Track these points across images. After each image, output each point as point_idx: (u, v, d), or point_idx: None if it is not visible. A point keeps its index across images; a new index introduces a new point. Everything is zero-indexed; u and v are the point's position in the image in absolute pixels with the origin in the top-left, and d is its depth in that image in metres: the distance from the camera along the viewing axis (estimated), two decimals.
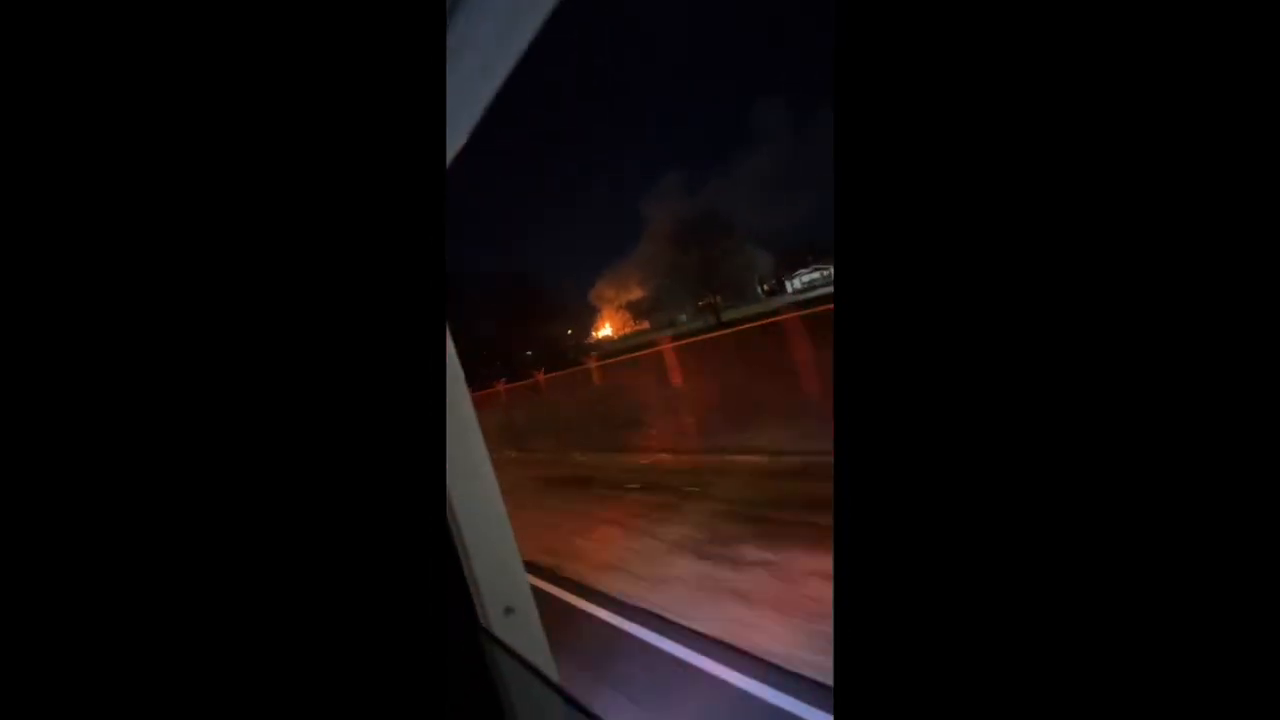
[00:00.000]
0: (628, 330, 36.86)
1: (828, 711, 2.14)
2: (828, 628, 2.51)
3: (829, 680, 2.22)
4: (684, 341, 7.97)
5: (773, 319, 7.16)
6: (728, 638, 2.80)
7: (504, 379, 11.94)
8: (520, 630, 1.19)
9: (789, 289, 33.56)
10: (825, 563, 3.21)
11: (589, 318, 38.09)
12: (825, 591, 2.93)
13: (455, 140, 0.99)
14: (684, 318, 34.55)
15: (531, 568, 4.17)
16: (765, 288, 34.32)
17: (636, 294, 36.76)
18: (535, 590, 3.55)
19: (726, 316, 28.40)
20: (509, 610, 1.18)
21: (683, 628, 3.04)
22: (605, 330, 37.55)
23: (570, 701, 0.80)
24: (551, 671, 1.22)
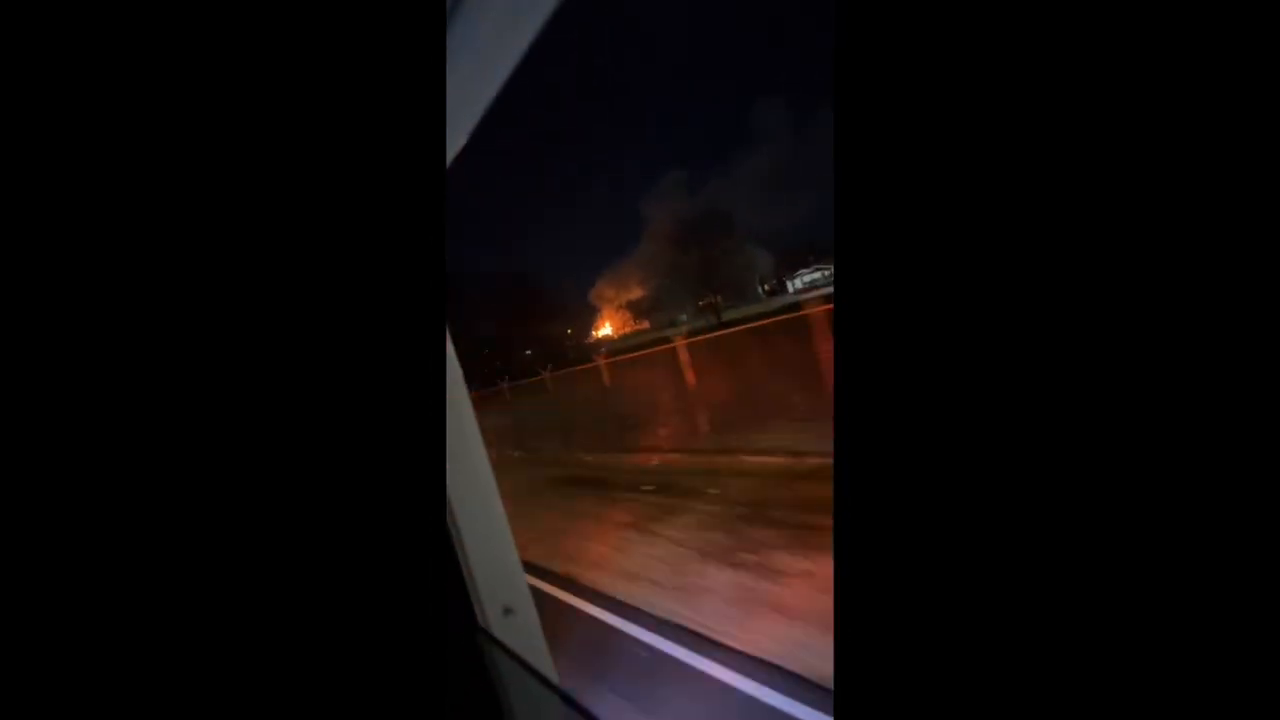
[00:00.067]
0: (627, 330, 36.88)
1: (828, 714, 2.13)
2: None
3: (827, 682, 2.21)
4: (698, 339, 7.75)
5: (794, 313, 6.86)
6: (783, 660, 2.46)
7: (508, 377, 11.78)
8: (519, 631, 1.18)
9: (790, 289, 33.58)
10: None
11: (589, 317, 38.15)
12: None
13: (455, 140, 0.98)
14: (684, 317, 34.56)
15: (546, 576, 4.12)
16: (766, 288, 34.36)
17: (636, 294, 36.81)
18: (555, 603, 3.36)
19: (727, 317, 28.41)
20: (508, 611, 1.18)
21: (728, 649, 2.66)
22: (605, 330, 37.57)
23: (568, 702, 0.80)
24: (550, 672, 1.22)
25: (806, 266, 33.36)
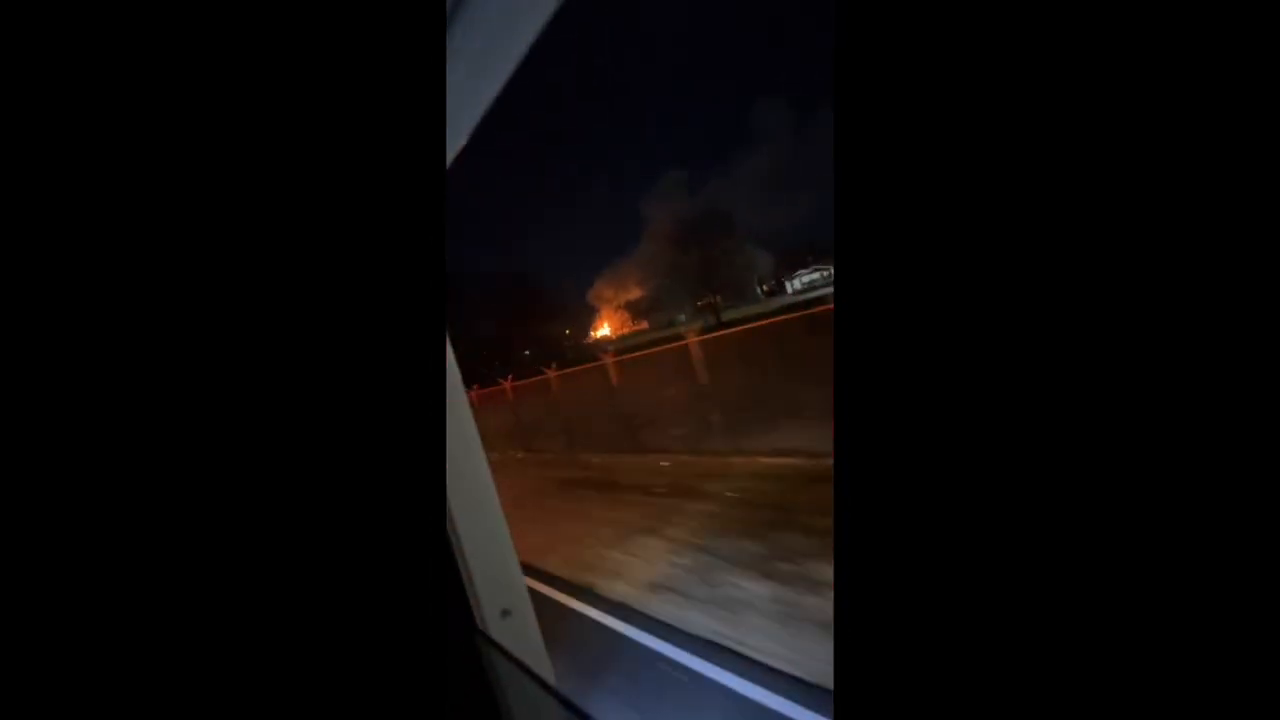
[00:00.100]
0: (626, 330, 36.89)
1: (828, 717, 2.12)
2: None
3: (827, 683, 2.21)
4: (705, 336, 7.43)
5: (798, 313, 6.63)
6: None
7: (511, 376, 11.64)
8: (517, 633, 1.18)
9: (789, 289, 33.62)
10: None
11: (588, 318, 38.17)
12: None
13: (455, 141, 0.98)
14: (683, 318, 34.59)
15: (564, 586, 3.88)
16: (765, 288, 34.39)
17: (635, 294, 36.82)
18: (579, 618, 3.21)
19: (726, 317, 28.42)
20: (506, 613, 1.18)
21: (791, 677, 2.32)
22: (604, 330, 37.58)
23: (566, 704, 0.80)
24: (547, 674, 1.22)
25: (805, 267, 33.41)
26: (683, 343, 7.54)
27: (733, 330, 7.28)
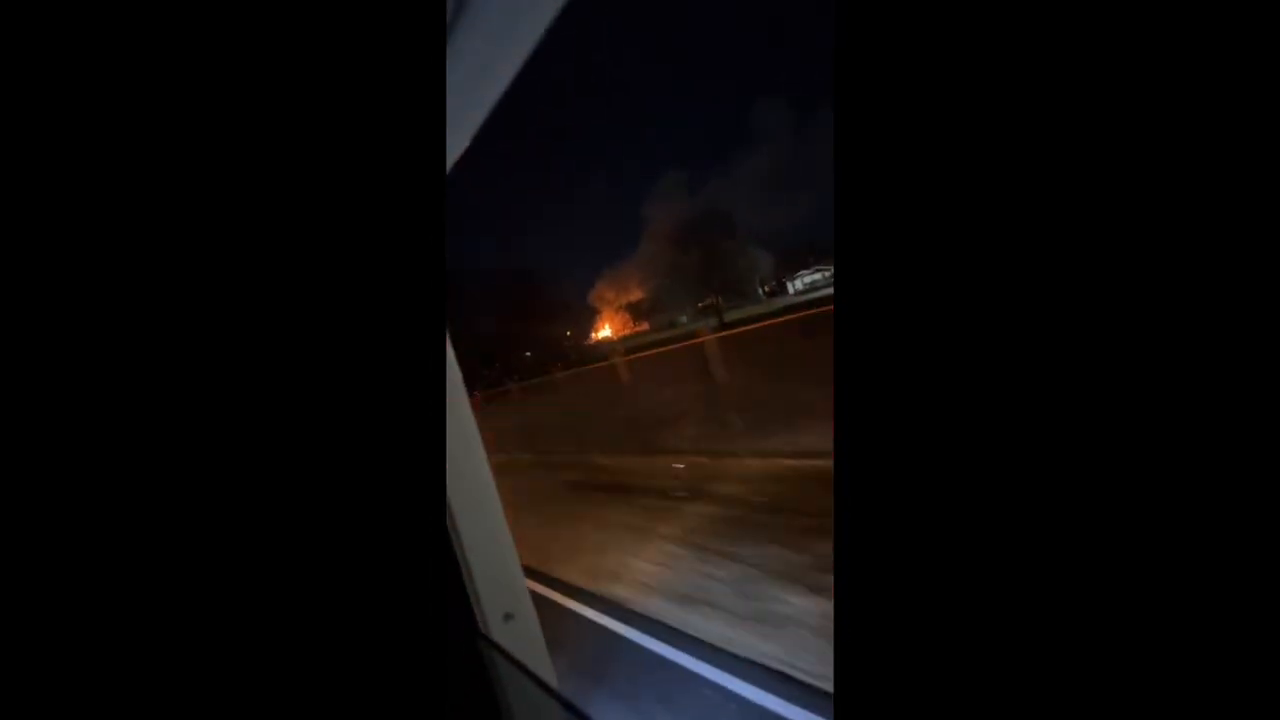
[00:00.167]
0: (627, 332, 36.87)
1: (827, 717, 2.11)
2: None
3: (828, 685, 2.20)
4: (720, 334, 7.23)
5: (802, 313, 6.40)
6: None
7: (516, 377, 11.56)
8: (519, 636, 1.18)
9: (790, 290, 33.61)
10: None
11: (588, 319, 38.16)
12: None
13: (456, 145, 0.98)
14: (684, 319, 34.58)
15: (589, 599, 3.59)
16: (766, 289, 34.36)
17: (636, 295, 36.80)
18: (611, 637, 3.02)
19: (728, 318, 28.41)
20: (508, 616, 1.18)
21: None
22: (605, 331, 37.57)
23: (568, 707, 0.80)
24: (549, 677, 1.22)
25: (807, 267, 33.39)
26: (690, 342, 7.40)
27: (741, 330, 7.13)
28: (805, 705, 2.17)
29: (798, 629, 2.61)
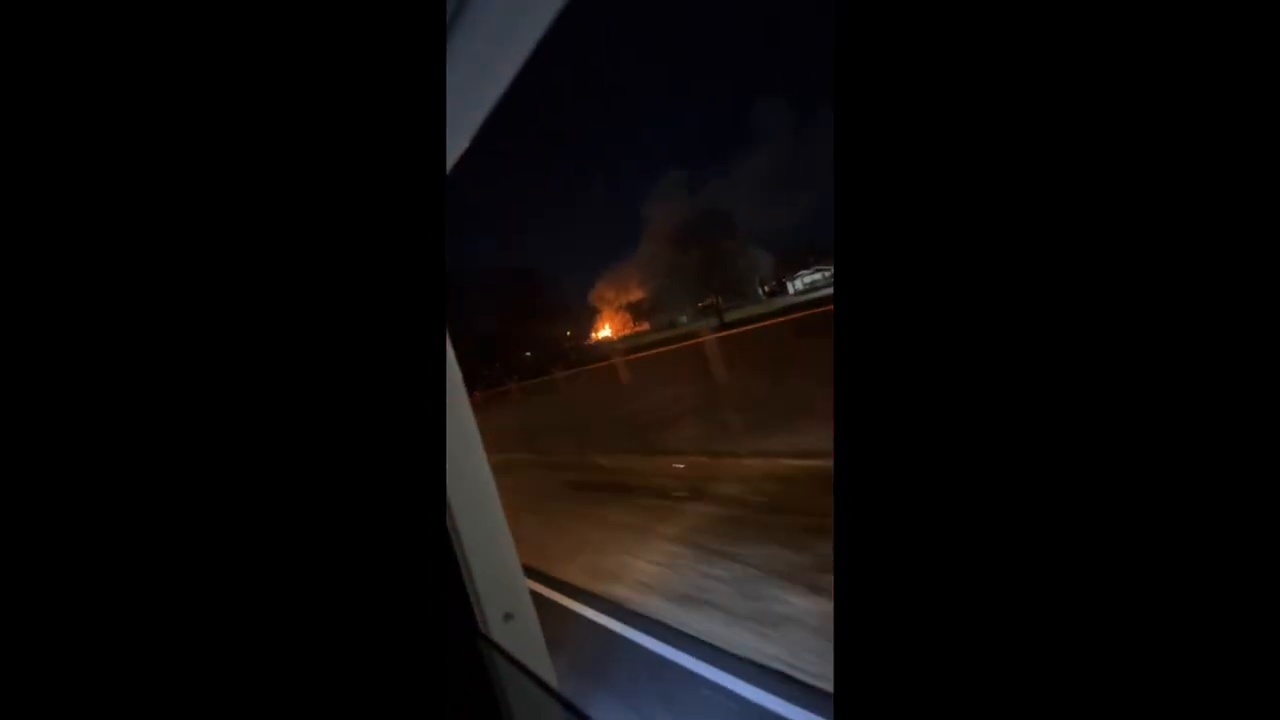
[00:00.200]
0: (627, 332, 36.84)
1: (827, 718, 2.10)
2: None
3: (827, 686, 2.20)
4: (723, 334, 7.10)
5: (804, 313, 6.26)
6: None
7: (516, 377, 11.47)
8: (519, 636, 1.18)
9: (790, 290, 33.59)
10: None
11: (588, 319, 38.15)
12: None
13: (456, 146, 0.98)
14: (684, 319, 34.56)
15: (588, 599, 3.57)
16: (766, 289, 34.33)
17: (636, 295, 36.78)
18: (609, 636, 2.99)
19: (728, 318, 28.37)
20: (508, 616, 1.18)
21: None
22: (605, 332, 37.54)
23: (568, 707, 0.80)
24: (550, 677, 1.22)
25: (807, 267, 33.37)
26: (690, 342, 7.32)
27: (742, 329, 7.05)
28: (805, 705, 2.15)
29: (798, 629, 2.60)
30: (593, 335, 37.49)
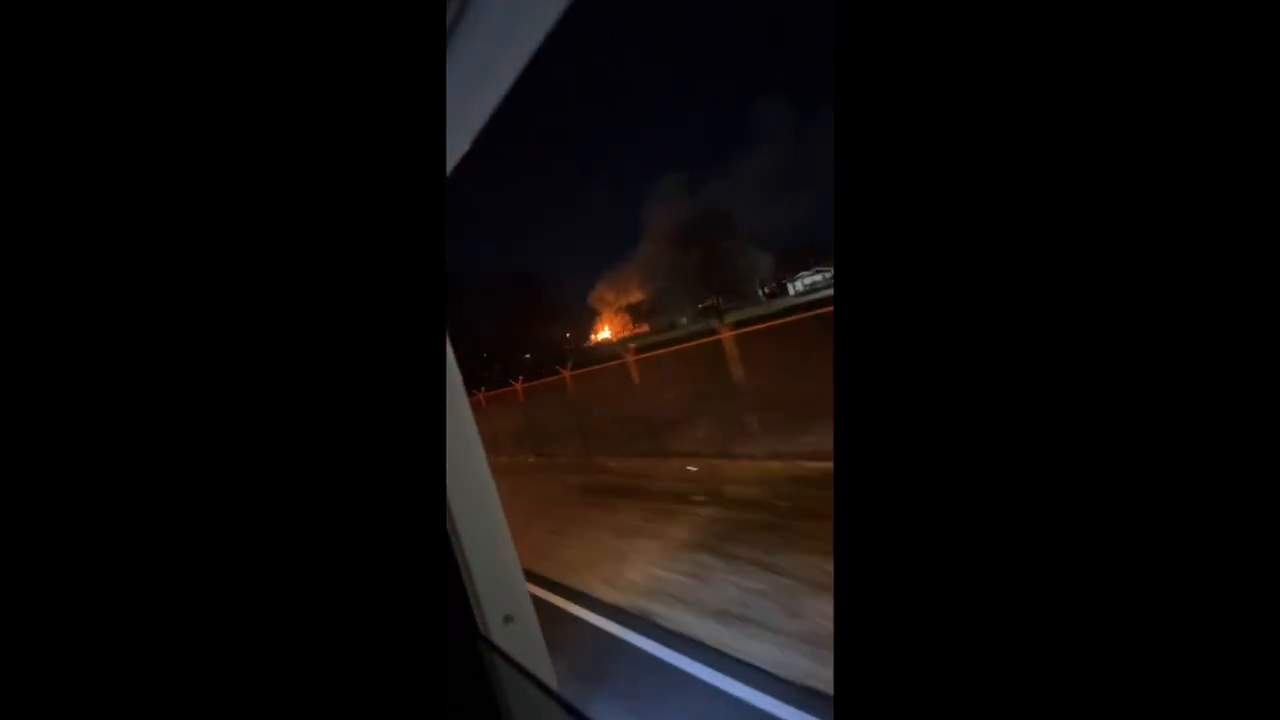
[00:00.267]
0: (627, 333, 36.83)
1: None
2: None
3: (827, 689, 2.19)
4: (742, 330, 6.62)
5: (807, 313, 6.05)
6: None
7: (521, 377, 11.26)
8: (519, 638, 1.18)
9: (790, 291, 33.59)
10: None
11: (588, 320, 38.17)
12: None
13: (457, 148, 0.98)
14: (684, 320, 34.56)
15: (613, 613, 3.25)
16: (766, 290, 34.33)
17: (636, 297, 36.79)
18: (643, 657, 2.69)
19: (729, 319, 28.35)
20: (508, 619, 1.17)
21: None
22: (604, 333, 37.55)
23: (568, 709, 0.80)
24: (550, 679, 1.22)
25: (807, 268, 33.38)
26: (699, 341, 7.03)
27: (751, 329, 6.63)
28: (807, 708, 2.10)
29: None
30: (592, 337, 37.50)
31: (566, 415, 9.48)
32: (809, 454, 5.12)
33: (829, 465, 4.70)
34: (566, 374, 9.52)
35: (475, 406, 1.25)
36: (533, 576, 4.09)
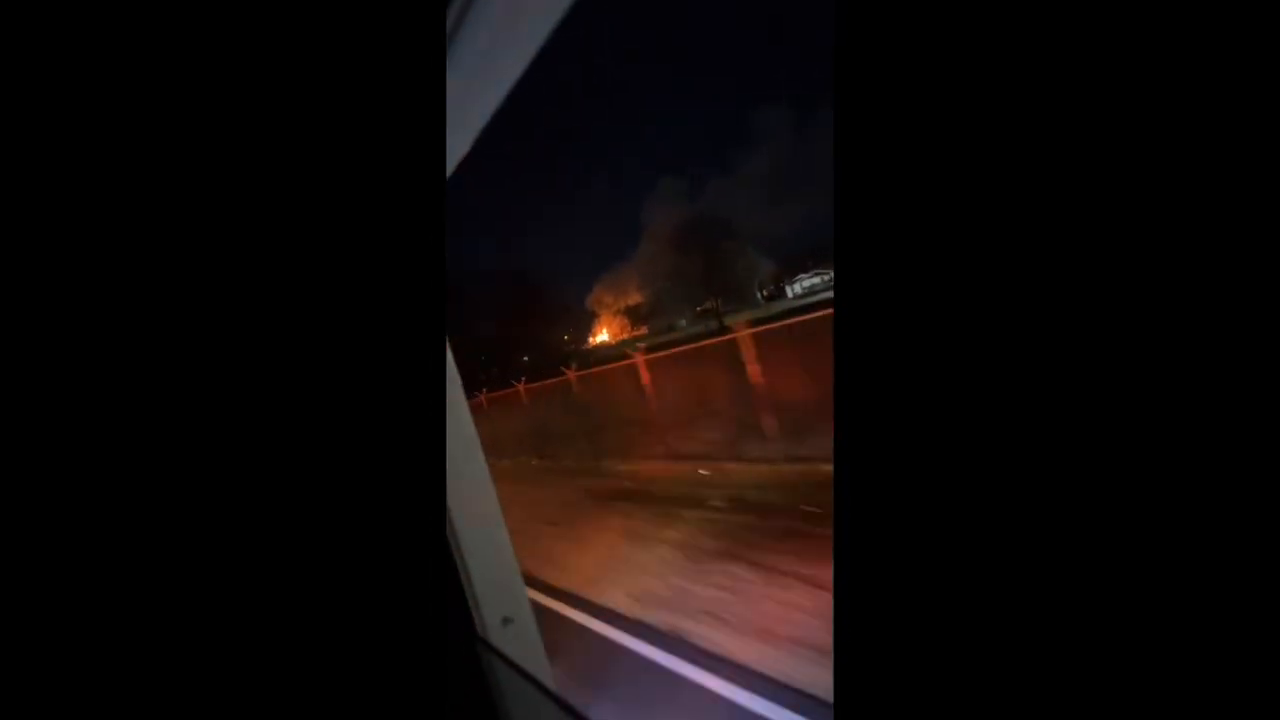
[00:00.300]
0: (625, 336, 36.80)
1: None
2: None
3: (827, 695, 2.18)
4: (759, 329, 6.32)
5: (808, 315, 5.81)
6: None
7: (524, 378, 11.06)
8: (518, 640, 1.18)
9: (789, 294, 33.58)
10: None
11: (587, 323, 38.17)
12: None
13: (457, 150, 0.98)
14: (683, 322, 34.55)
15: (644, 633, 2.93)
16: (764, 293, 34.32)
17: (635, 299, 36.77)
18: (689, 688, 2.35)
19: (727, 321, 28.27)
20: (507, 620, 1.17)
21: None
22: (603, 336, 37.53)
23: (567, 709, 0.80)
24: (548, 680, 1.22)
25: (806, 271, 33.36)
26: (709, 341, 6.79)
27: (761, 328, 6.51)
28: (805, 712, 2.03)
29: None
30: (591, 339, 37.49)
31: (573, 417, 9.29)
32: (826, 457, 4.89)
33: None
34: (572, 374, 9.34)
35: (477, 408, 1.24)
36: (549, 588, 3.91)
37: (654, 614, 3.11)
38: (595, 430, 8.83)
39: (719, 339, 6.83)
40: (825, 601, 2.71)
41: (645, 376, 7.94)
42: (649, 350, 7.97)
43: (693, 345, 7.45)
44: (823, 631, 2.48)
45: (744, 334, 6.34)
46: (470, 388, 1.20)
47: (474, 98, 0.87)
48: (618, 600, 3.44)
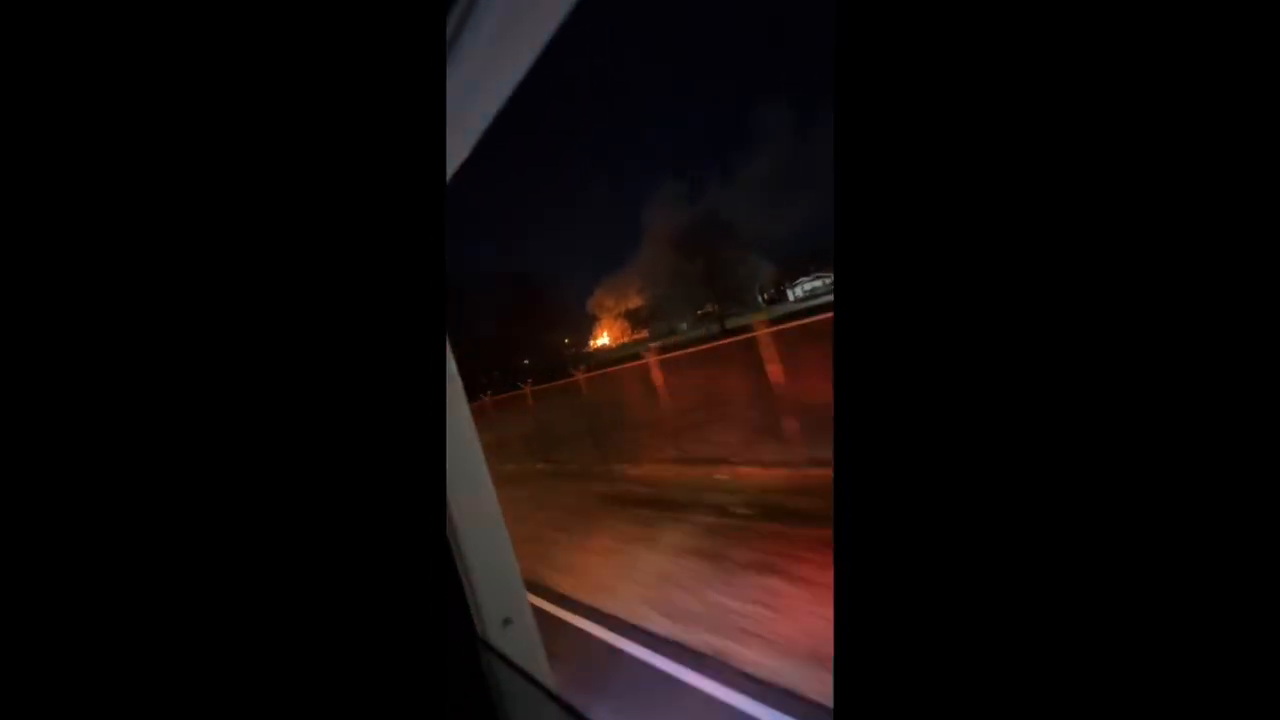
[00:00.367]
0: (625, 339, 36.74)
1: None
2: None
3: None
4: (779, 327, 6.10)
5: (811, 318, 5.65)
6: None
7: (530, 380, 10.95)
8: (518, 641, 1.18)
9: (790, 297, 33.53)
10: None
11: (587, 326, 38.13)
12: None
13: (457, 153, 0.99)
14: (684, 326, 34.50)
15: (676, 653, 2.74)
16: (765, 296, 34.25)
17: (635, 302, 36.71)
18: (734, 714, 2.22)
19: (729, 324, 28.21)
20: (507, 621, 1.17)
21: None
22: (603, 339, 37.48)
23: (567, 710, 0.80)
24: (548, 681, 1.22)
25: (807, 274, 33.30)
26: (720, 343, 6.62)
27: (776, 328, 6.13)
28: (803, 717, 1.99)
29: None
30: (591, 343, 37.45)
31: (582, 420, 9.08)
32: None
33: None
34: (580, 376, 9.22)
35: (481, 412, 1.24)
36: (567, 601, 3.76)
37: (688, 632, 2.92)
38: (606, 433, 8.59)
39: (734, 339, 6.60)
40: None
41: (658, 378, 7.72)
42: (660, 351, 7.81)
43: (708, 345, 7.23)
44: None
45: (764, 333, 6.13)
46: (473, 391, 1.20)
47: (474, 101, 0.87)
48: (649, 616, 3.23)
